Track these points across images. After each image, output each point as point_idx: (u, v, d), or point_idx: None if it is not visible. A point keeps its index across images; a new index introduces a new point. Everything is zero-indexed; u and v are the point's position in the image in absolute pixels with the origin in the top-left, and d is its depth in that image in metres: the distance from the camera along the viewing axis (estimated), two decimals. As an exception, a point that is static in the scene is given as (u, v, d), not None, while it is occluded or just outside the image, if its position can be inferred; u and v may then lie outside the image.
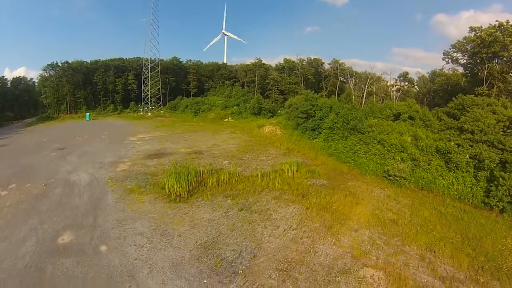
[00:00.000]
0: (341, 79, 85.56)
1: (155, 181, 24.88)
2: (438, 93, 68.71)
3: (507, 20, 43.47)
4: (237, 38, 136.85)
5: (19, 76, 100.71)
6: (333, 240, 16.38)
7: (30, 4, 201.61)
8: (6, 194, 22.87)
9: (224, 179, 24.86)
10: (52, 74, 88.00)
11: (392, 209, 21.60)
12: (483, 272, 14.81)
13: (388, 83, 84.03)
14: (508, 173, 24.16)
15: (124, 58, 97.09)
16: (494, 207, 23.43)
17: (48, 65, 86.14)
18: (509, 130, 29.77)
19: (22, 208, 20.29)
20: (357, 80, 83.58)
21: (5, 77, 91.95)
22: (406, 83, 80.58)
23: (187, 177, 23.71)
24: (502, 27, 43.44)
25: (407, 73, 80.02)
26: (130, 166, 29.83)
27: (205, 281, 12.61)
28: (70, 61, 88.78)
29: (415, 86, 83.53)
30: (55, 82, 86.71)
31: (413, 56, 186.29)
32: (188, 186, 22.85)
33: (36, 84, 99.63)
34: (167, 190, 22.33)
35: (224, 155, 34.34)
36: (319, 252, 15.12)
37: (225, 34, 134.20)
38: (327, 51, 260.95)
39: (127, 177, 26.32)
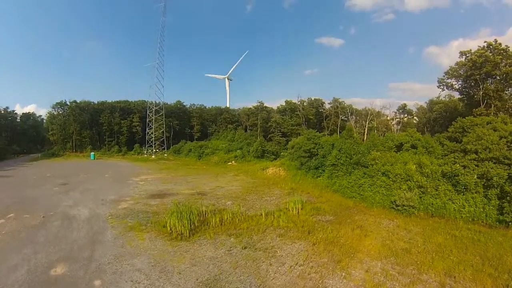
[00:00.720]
0: (342, 117, 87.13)
1: (156, 220, 24.14)
2: (438, 121, 69.30)
3: (495, 39, 45.37)
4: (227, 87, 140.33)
5: (29, 112, 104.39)
6: (343, 274, 15.31)
7: (44, 45, 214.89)
8: (3, 223, 22.76)
9: (227, 218, 24.02)
10: (60, 112, 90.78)
11: (403, 239, 20.61)
12: None
13: (388, 117, 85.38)
14: None
15: (130, 100, 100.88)
16: (510, 223, 22.80)
17: (57, 103, 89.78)
18: (509, 144, 29.46)
19: (17, 237, 19.85)
20: (358, 118, 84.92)
21: (15, 112, 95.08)
22: (405, 115, 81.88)
23: (189, 216, 22.94)
24: (491, 46, 44.89)
25: (405, 105, 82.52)
26: (132, 205, 29.30)
27: (206, 322, 11.61)
28: (78, 101, 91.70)
29: (414, 117, 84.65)
30: (62, 120, 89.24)
31: (410, 89, 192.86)
32: (190, 225, 22.00)
33: (44, 121, 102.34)
34: (169, 229, 21.50)
35: (228, 196, 33.74)
36: (329, 287, 14.10)
37: (229, 79, 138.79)
38: (327, 91, 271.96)
39: (128, 215, 25.68)
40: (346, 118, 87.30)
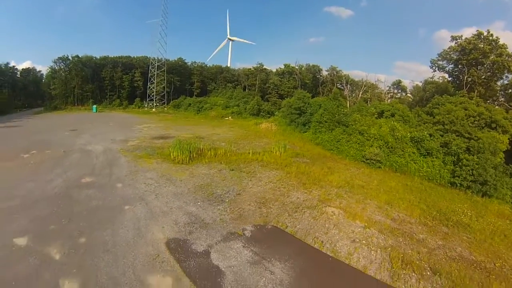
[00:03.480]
0: (338, 85, 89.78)
1: (161, 152, 28.75)
2: (430, 101, 71.98)
3: (488, 30, 47.28)
4: (245, 41, 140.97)
5: (28, 68, 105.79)
6: (305, 191, 20.13)
7: (39, 3, 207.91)
8: (29, 156, 26.24)
9: (220, 153, 28.70)
10: (62, 67, 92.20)
11: (362, 179, 25.26)
12: (432, 220, 17.89)
13: (383, 91, 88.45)
14: (471, 156, 27.81)
15: (132, 56, 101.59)
16: (459, 185, 26.76)
17: (59, 57, 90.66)
18: (476, 122, 33.68)
19: (46, 164, 23.85)
20: (354, 88, 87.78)
21: (15, 67, 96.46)
22: (399, 91, 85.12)
23: (189, 148, 27.49)
24: (481, 35, 47.35)
25: (400, 81, 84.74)
26: (138, 143, 33.65)
27: (199, 203, 16.46)
28: (80, 55, 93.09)
29: (409, 95, 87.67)
30: (64, 74, 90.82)
31: (415, 70, 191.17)
32: (190, 156, 26.60)
33: (44, 76, 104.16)
34: (172, 157, 26.22)
35: (222, 140, 38.11)
36: (291, 196, 18.89)
37: (231, 39, 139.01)
38: (330, 61, 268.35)
39: (136, 149, 30.16)
40: (342, 87, 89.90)
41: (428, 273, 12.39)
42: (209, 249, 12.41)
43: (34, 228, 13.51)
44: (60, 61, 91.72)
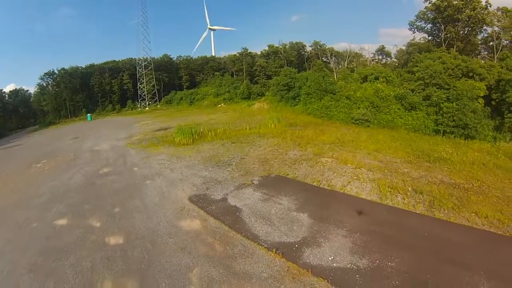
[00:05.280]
0: (323, 59, 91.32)
1: (165, 139, 30.85)
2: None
3: None
4: (227, 28, 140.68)
5: (16, 89, 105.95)
6: (301, 149, 22.56)
7: (14, 20, 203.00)
8: (41, 165, 27.01)
9: (220, 132, 30.97)
10: (50, 82, 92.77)
11: (353, 136, 27.71)
12: (416, 158, 20.32)
13: (368, 59, 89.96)
14: (450, 103, 30.26)
15: (118, 60, 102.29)
16: (442, 132, 29.16)
17: (45, 73, 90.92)
18: (453, 74, 35.96)
19: (61, 167, 25.26)
20: (339, 59, 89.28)
21: (3, 90, 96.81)
22: (384, 57, 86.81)
23: (191, 132, 29.60)
24: None
25: (383, 47, 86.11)
26: (142, 136, 35.62)
27: (210, 169, 18.84)
28: (66, 67, 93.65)
29: (394, 60, 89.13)
30: (53, 89, 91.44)
31: (401, 35, 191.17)
32: (192, 138, 28.77)
33: (32, 95, 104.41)
34: (177, 141, 28.40)
35: (219, 123, 40.22)
36: (289, 154, 21.32)
37: (212, 29, 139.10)
38: (315, 38, 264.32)
39: (142, 141, 32.16)
40: (327, 60, 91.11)
41: (412, 193, 14.79)
42: (225, 196, 14.88)
43: (70, 211, 15.60)
44: (47, 76, 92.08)
